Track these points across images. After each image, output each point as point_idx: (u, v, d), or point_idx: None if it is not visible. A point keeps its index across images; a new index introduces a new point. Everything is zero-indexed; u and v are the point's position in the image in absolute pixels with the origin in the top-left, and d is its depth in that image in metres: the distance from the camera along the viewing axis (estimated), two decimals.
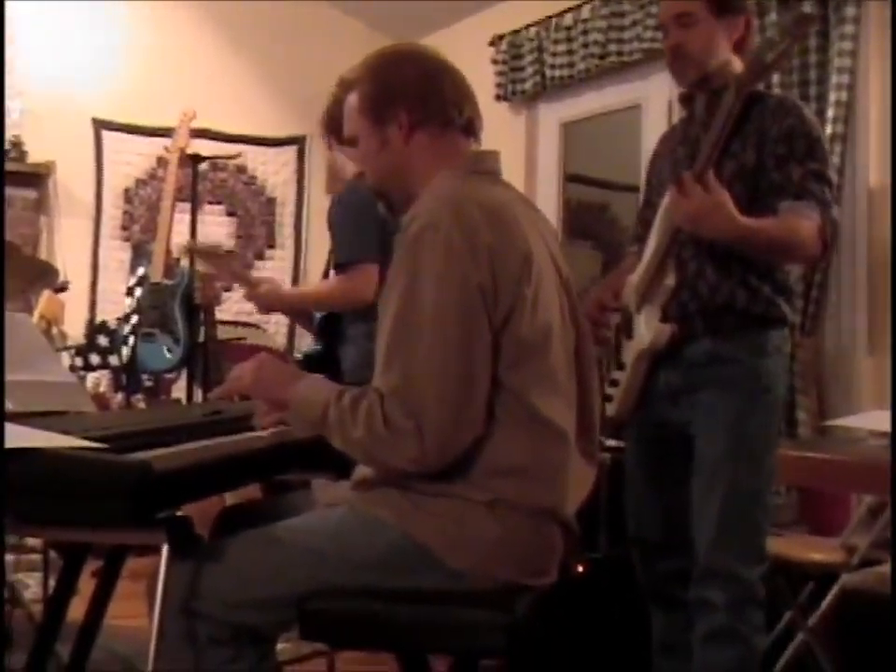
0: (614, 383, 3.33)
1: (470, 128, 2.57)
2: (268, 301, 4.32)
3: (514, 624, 2.32)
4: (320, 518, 2.48)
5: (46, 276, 4.55)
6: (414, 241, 2.31)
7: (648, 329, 3.23)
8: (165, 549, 2.63)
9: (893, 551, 2.31)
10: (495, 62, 6.86)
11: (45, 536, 3.06)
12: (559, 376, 2.40)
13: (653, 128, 5.76)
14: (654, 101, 5.92)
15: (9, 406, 2.77)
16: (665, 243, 3.16)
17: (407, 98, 2.50)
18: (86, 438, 2.23)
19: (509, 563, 2.32)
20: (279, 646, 2.49)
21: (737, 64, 3.14)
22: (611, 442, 3.85)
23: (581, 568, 3.66)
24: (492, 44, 6.88)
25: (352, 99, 2.58)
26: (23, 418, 2.54)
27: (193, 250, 5.38)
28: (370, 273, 3.92)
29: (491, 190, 2.46)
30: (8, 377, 2.88)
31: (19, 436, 2.23)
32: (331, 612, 2.34)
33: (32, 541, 4.90)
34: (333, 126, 3.65)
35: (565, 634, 3.42)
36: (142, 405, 6.16)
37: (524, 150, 6.80)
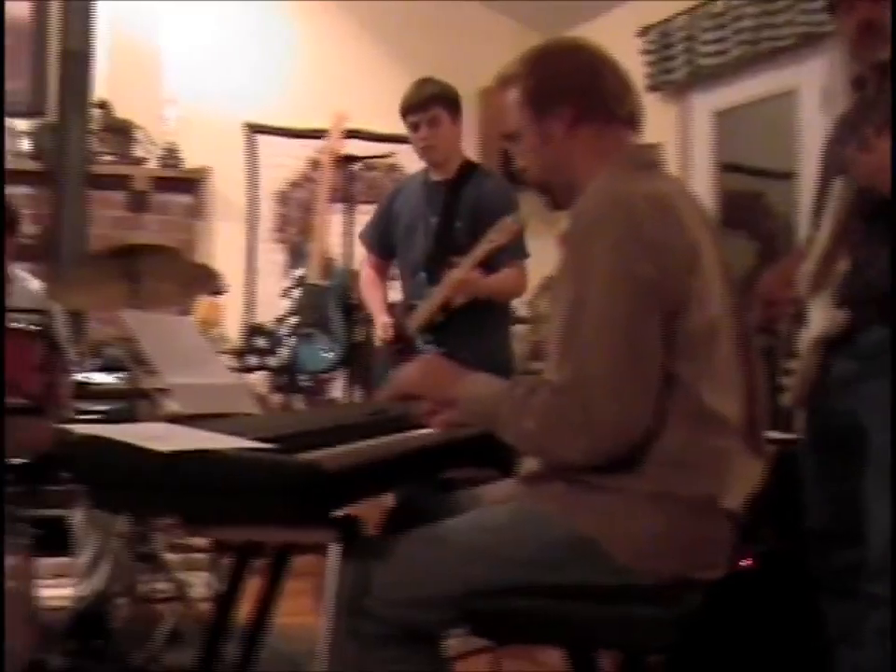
0: (788, 372, 3.28)
1: (632, 120, 2.57)
2: (476, 288, 4.42)
3: (684, 619, 2.29)
4: (487, 515, 2.48)
5: (207, 280, 4.61)
6: (582, 235, 2.32)
7: (821, 317, 3.17)
8: (334, 548, 2.65)
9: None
10: (644, 52, 6.79)
11: (216, 535, 3.10)
12: (726, 368, 2.38)
13: (809, 113, 5.65)
14: (810, 86, 5.80)
15: (176, 409, 2.82)
16: (839, 228, 3.10)
17: (570, 92, 2.51)
18: (255, 439, 2.26)
19: (675, 556, 2.30)
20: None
21: None
22: (778, 435, 3.78)
23: (748, 562, 3.61)
24: (641, 34, 6.82)
25: (512, 94, 2.58)
26: (191, 421, 2.58)
27: None
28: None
29: (655, 183, 2.44)
30: (173, 380, 2.93)
31: (189, 438, 2.27)
32: (500, 609, 2.34)
33: (197, 541, 4.97)
34: None
35: (734, 629, 3.37)
36: (300, 406, 6.21)
37: (676, 141, 6.73)
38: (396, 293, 5.02)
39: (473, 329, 4.51)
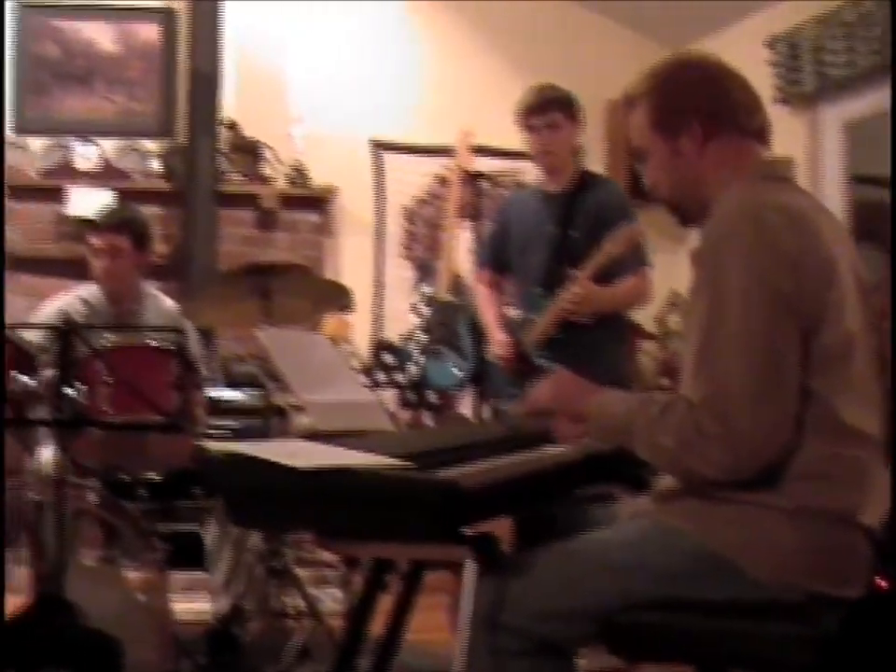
0: None
1: (761, 134, 2.55)
2: (593, 303, 4.41)
3: (823, 639, 2.25)
4: (623, 531, 2.49)
5: (338, 297, 4.64)
6: (715, 251, 2.31)
7: None
8: (469, 565, 2.65)
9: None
10: (772, 63, 6.71)
11: (352, 552, 3.11)
12: (864, 382, 2.35)
13: None
14: None
15: (314, 425, 2.83)
16: None
17: (697, 108, 2.50)
18: (390, 456, 2.27)
19: (811, 572, 2.27)
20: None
21: None
22: None
23: (885, 583, 3.53)
24: (769, 45, 6.73)
25: (639, 113, 2.58)
26: (328, 438, 2.60)
27: None
28: None
29: (787, 196, 2.42)
30: (309, 397, 2.96)
31: (326, 455, 2.29)
32: (634, 626, 2.34)
33: (327, 557, 4.99)
34: None
35: (877, 650, 3.30)
36: (429, 422, 6.23)
37: (805, 152, 6.63)
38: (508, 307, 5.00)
39: (590, 345, 4.46)
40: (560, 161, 4.74)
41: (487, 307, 5.00)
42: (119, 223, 4.75)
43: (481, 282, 5.07)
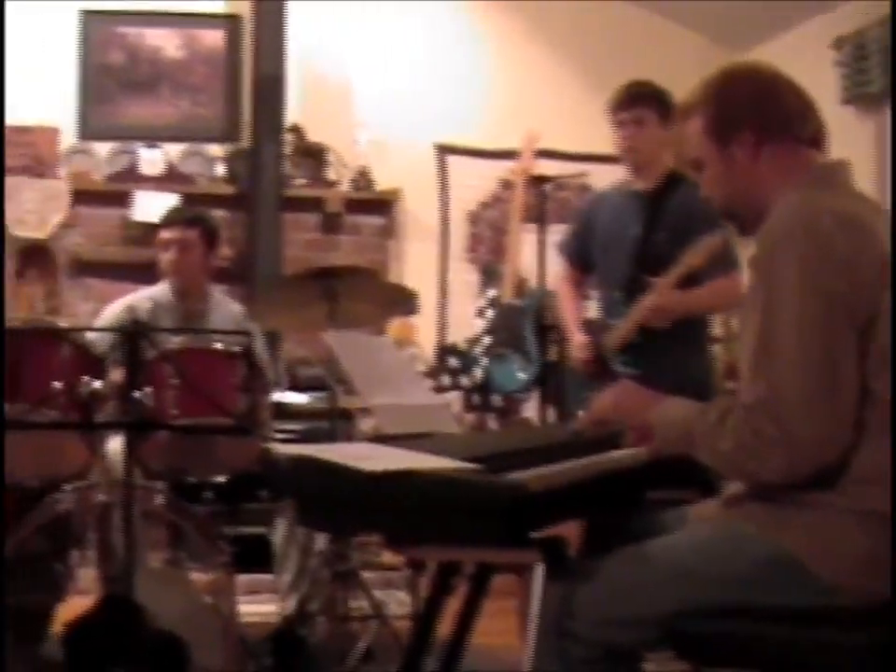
0: None
1: (816, 139, 2.56)
2: (673, 312, 4.35)
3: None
4: (689, 535, 2.50)
5: (404, 301, 4.63)
6: (769, 255, 2.33)
7: None
8: (538, 568, 2.64)
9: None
10: (839, 64, 6.65)
11: (419, 555, 3.12)
12: None
13: None
14: None
15: (377, 428, 2.84)
16: None
17: (750, 116, 2.52)
18: (458, 459, 2.27)
19: (881, 576, 2.25)
20: None
21: None
22: None
23: None
24: (835, 46, 6.68)
25: (692, 124, 2.60)
26: (395, 441, 2.61)
27: None
28: None
29: (841, 200, 2.43)
30: (376, 400, 2.96)
31: (394, 458, 2.29)
32: (704, 629, 2.34)
33: (393, 559, 5.00)
34: None
35: None
36: (493, 425, 6.22)
37: (872, 153, 6.57)
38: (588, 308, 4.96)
39: (671, 352, 4.38)
40: (646, 158, 4.62)
41: (568, 307, 4.92)
42: (191, 218, 4.82)
43: (563, 279, 4.98)
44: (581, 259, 4.87)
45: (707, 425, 2.31)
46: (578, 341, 4.73)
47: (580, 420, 2.70)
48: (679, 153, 2.98)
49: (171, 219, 4.82)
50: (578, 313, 4.90)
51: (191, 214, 4.92)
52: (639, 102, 4.54)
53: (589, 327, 4.78)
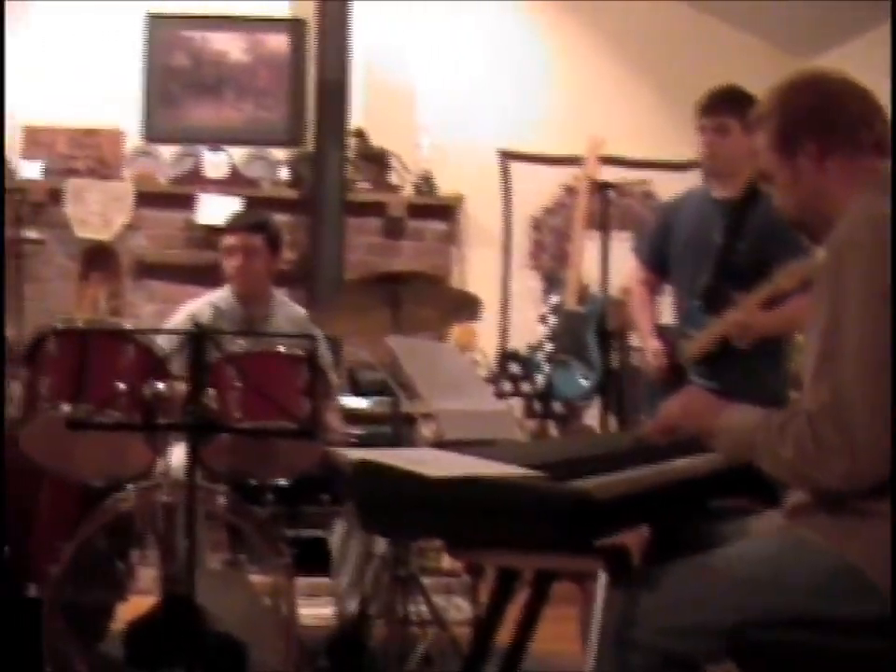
0: None
1: (882, 145, 2.54)
2: (757, 333, 4.19)
3: None
4: (753, 545, 2.49)
5: (468, 307, 4.61)
6: (836, 261, 2.32)
7: None
8: (601, 576, 2.64)
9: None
10: None
11: (482, 560, 3.12)
12: None
13: None
14: None
15: (441, 434, 2.84)
16: None
17: (812, 126, 2.52)
18: (522, 466, 2.27)
19: None
20: None
21: None
22: None
23: None
24: None
25: (760, 137, 2.60)
26: (458, 446, 2.61)
27: None
28: None
29: None
30: (440, 405, 2.96)
31: (458, 464, 2.29)
32: (765, 643, 2.31)
33: (452, 565, 5.00)
34: None
35: None
36: (554, 432, 6.20)
37: None
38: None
39: (749, 367, 4.26)
40: (726, 166, 4.48)
41: (642, 312, 4.81)
42: (254, 223, 4.84)
43: (637, 281, 4.86)
44: (657, 262, 4.74)
45: (768, 431, 2.30)
46: (653, 347, 4.62)
47: (646, 427, 2.69)
48: (756, 164, 2.96)
49: (235, 225, 4.85)
50: (653, 318, 4.77)
51: (255, 219, 4.94)
52: (723, 109, 4.38)
53: (664, 333, 4.66)
